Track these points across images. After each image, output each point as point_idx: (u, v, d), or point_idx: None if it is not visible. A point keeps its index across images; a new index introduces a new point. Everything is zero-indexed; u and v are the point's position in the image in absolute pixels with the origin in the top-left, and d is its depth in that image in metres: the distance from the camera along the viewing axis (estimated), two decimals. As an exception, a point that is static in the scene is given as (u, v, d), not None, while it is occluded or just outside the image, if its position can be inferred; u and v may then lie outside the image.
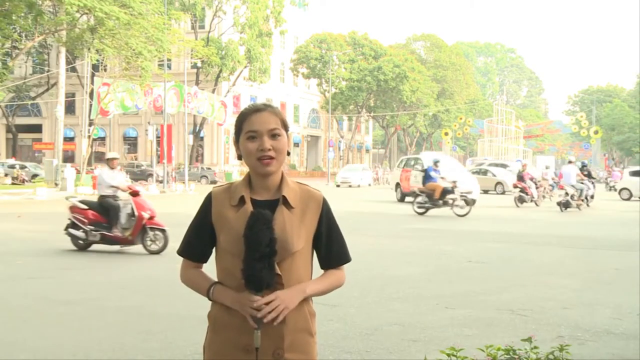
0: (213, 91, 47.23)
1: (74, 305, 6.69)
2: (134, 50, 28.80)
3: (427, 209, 18.75)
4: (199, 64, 45.00)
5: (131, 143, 57.08)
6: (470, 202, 18.77)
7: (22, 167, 39.41)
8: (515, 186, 23.76)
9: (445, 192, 18.38)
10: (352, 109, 63.12)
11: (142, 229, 10.31)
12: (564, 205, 20.88)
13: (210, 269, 2.12)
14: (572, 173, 21.57)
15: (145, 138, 43.36)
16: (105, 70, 41.31)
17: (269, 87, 55.53)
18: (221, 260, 2.08)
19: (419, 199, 18.85)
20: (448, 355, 3.32)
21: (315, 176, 57.73)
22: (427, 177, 18.93)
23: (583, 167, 24.34)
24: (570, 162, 23.63)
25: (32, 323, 5.97)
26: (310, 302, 2.10)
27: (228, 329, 2.01)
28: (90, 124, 35.16)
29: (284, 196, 2.04)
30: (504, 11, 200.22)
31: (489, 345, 3.46)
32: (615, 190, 33.11)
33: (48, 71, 45.82)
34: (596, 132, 59.71)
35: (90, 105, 34.72)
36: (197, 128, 47.81)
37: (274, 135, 2.02)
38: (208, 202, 2.11)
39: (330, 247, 2.12)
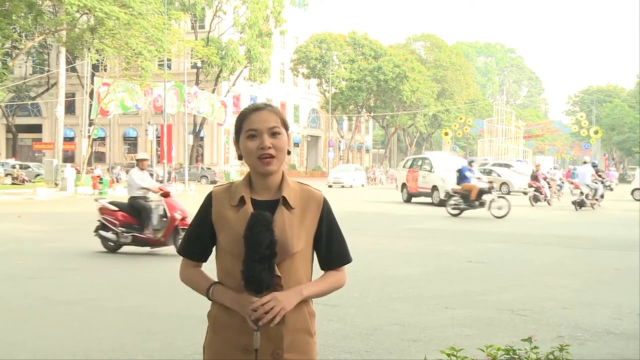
0: (213, 91, 47.23)
1: (74, 305, 6.69)
2: (134, 50, 28.80)
3: (462, 210, 18.15)
4: (199, 64, 45.00)
5: (131, 143, 57.07)
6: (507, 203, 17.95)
7: (26, 167, 39.46)
8: (530, 185, 24.32)
9: (482, 192, 17.84)
10: (352, 109, 63.12)
11: (174, 230, 10.22)
12: (579, 204, 21.28)
13: (210, 268, 2.12)
14: (587, 173, 22.02)
15: (145, 138, 43.35)
16: (105, 70, 41.31)
17: (269, 87, 55.52)
18: (221, 261, 2.08)
19: (453, 199, 18.27)
20: (448, 355, 3.32)
21: (315, 176, 57.70)
22: (461, 178, 18.30)
23: (593, 168, 24.77)
24: (585, 162, 24.05)
25: (32, 323, 5.96)
26: (310, 302, 2.09)
27: (228, 329, 2.01)
28: (90, 124, 35.16)
29: (283, 197, 2.04)
30: (504, 11, 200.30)
31: (489, 345, 3.45)
32: (612, 190, 33.26)
33: (48, 71, 45.82)
34: (596, 132, 59.69)
35: (90, 105, 34.72)
36: (197, 128, 47.82)
37: (274, 134, 2.02)
38: (208, 201, 2.10)
39: (331, 248, 2.11)
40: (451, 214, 18.24)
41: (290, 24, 51.95)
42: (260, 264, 1.91)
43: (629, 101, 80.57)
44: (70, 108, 50.01)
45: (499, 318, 6.04)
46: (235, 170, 46.94)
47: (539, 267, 9.36)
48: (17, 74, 47.24)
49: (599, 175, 23.99)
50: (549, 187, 24.17)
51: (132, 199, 10.54)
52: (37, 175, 37.60)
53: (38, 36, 30.83)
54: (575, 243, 12.22)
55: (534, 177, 24.22)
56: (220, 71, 46.16)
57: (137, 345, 5.23)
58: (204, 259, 2.15)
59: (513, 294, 7.26)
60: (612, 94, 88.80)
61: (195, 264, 2.15)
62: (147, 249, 10.52)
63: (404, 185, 26.12)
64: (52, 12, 33.54)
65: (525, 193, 31.12)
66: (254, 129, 2.02)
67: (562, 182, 28.36)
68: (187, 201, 11.60)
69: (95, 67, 38.39)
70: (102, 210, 10.55)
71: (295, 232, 2.01)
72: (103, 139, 52.76)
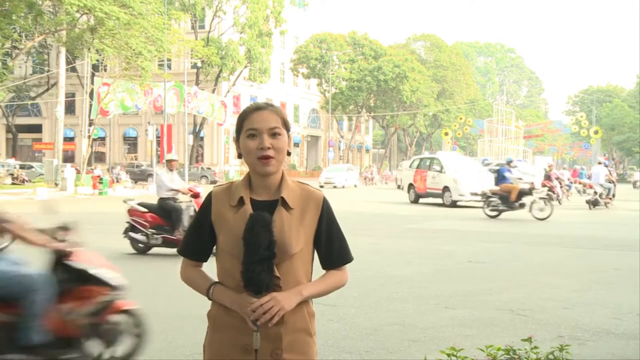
0: (213, 91, 47.23)
1: (74, 305, 6.68)
2: (134, 50, 28.81)
3: (501, 211, 17.60)
4: (199, 64, 45.00)
5: (131, 143, 57.07)
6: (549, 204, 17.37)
7: (29, 167, 39.48)
8: (543, 185, 24.23)
9: (522, 193, 17.26)
10: (352, 109, 63.10)
11: None
12: (593, 203, 21.62)
13: (211, 267, 2.12)
14: (601, 173, 22.44)
15: (145, 138, 43.34)
16: (105, 70, 41.32)
17: (269, 87, 55.51)
18: (221, 261, 2.08)
19: (492, 200, 17.72)
20: (448, 355, 3.32)
21: (315, 176, 57.60)
22: (500, 178, 17.81)
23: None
24: (599, 162, 24.66)
25: (32, 323, 5.96)
26: (310, 302, 2.10)
27: (227, 329, 2.02)
28: (90, 124, 35.16)
29: (282, 197, 2.03)
30: (504, 11, 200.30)
31: (489, 345, 3.45)
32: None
33: (48, 71, 45.81)
34: (596, 132, 59.66)
35: (90, 105, 34.71)
36: (197, 128, 47.81)
37: (274, 134, 2.02)
38: (208, 201, 2.11)
39: (331, 247, 2.11)
40: (489, 215, 17.72)
41: (290, 24, 51.93)
42: (259, 265, 1.92)
43: (629, 101, 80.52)
44: (70, 108, 50.01)
45: (499, 318, 6.04)
46: (235, 170, 46.93)
47: (539, 267, 9.36)
48: (17, 74, 47.23)
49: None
50: (560, 187, 24.72)
51: (162, 200, 10.37)
52: (41, 174, 37.63)
53: (38, 36, 30.83)
54: (576, 243, 12.22)
55: (547, 177, 24.57)
56: (220, 71, 46.16)
57: (137, 345, 5.22)
58: (204, 258, 2.16)
59: (513, 294, 7.25)
60: (612, 94, 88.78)
61: (195, 264, 2.16)
62: (175, 250, 10.45)
63: (410, 185, 25.36)
64: (52, 12, 33.53)
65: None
66: (254, 129, 2.02)
67: (571, 182, 28.86)
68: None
69: (95, 67, 38.39)
70: (132, 211, 10.40)
71: (294, 232, 2.01)
72: (103, 139, 52.76)
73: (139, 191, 31.44)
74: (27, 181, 35.58)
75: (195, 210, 10.15)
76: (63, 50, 32.36)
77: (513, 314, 6.20)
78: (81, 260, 4.44)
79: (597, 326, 5.79)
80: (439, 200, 23.45)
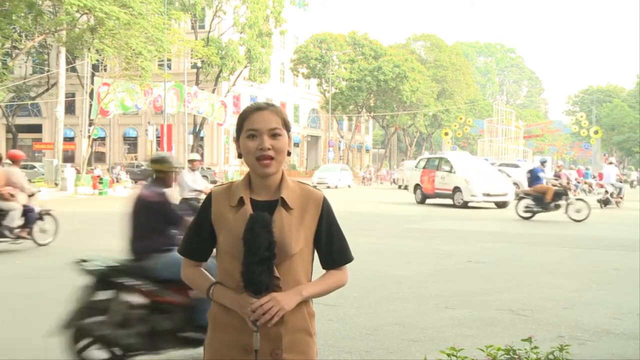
0: (213, 91, 47.23)
1: (74, 305, 6.68)
2: (134, 50, 28.81)
3: (535, 213, 17.13)
4: (199, 64, 44.99)
5: (131, 143, 57.08)
6: (586, 206, 16.90)
7: (32, 167, 39.46)
8: (554, 185, 24.54)
9: (558, 194, 16.87)
10: (352, 109, 63.09)
11: None
12: (604, 202, 22.10)
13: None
14: (612, 173, 22.98)
15: (145, 138, 43.37)
16: (105, 70, 41.30)
17: (269, 87, 55.51)
18: (221, 261, 2.08)
19: (525, 202, 17.32)
20: (448, 355, 3.32)
21: (315, 176, 57.60)
22: (534, 179, 17.38)
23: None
24: (610, 163, 25.12)
25: (32, 323, 5.96)
26: (310, 302, 2.10)
27: (227, 329, 2.02)
28: (90, 124, 35.16)
29: (282, 198, 2.04)
30: (504, 11, 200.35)
31: (489, 345, 3.45)
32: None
33: (48, 71, 45.80)
34: (596, 132, 59.66)
35: (90, 105, 34.71)
36: (197, 128, 47.80)
37: (274, 135, 2.02)
38: (208, 201, 2.11)
39: (331, 247, 2.11)
40: (522, 217, 17.28)
41: (290, 24, 51.91)
42: (259, 266, 1.92)
43: (629, 101, 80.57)
44: (70, 108, 50.00)
45: (499, 318, 6.04)
46: (235, 170, 46.92)
47: (539, 267, 9.36)
48: (17, 74, 47.21)
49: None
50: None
51: (184, 200, 10.21)
52: (42, 175, 37.61)
53: (38, 36, 30.82)
54: (576, 243, 12.22)
55: (557, 177, 24.82)
56: (220, 71, 46.15)
57: (137, 345, 5.22)
58: (205, 258, 2.16)
59: (513, 294, 7.25)
60: (612, 94, 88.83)
61: (196, 264, 2.16)
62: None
63: (417, 186, 24.71)
64: (52, 12, 33.52)
65: None
66: (254, 129, 2.02)
67: (578, 182, 29.37)
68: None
69: (95, 67, 38.38)
70: None
71: (294, 233, 2.01)
72: (103, 139, 52.76)
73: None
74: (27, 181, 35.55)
75: None
76: (63, 50, 32.35)
77: (513, 314, 6.20)
78: None
79: (597, 326, 5.79)
80: (447, 201, 23.03)
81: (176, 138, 45.12)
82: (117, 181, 35.56)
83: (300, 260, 2.04)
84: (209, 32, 47.10)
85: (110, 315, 4.57)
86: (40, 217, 10.88)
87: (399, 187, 41.31)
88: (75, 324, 4.54)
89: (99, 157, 51.54)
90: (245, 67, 47.19)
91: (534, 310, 6.36)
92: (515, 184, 33.50)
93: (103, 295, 4.66)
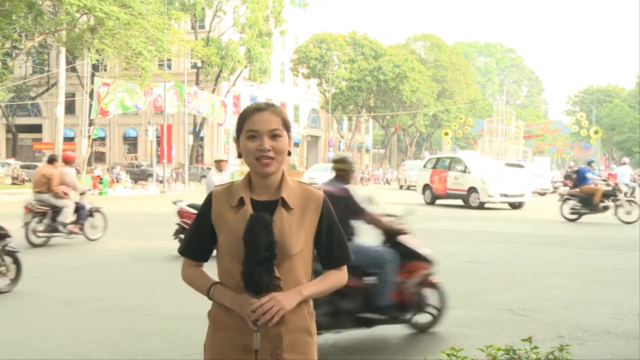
0: (213, 91, 47.23)
1: (74, 305, 6.69)
2: (134, 50, 28.80)
3: (581, 214, 16.61)
4: (199, 64, 45.00)
5: (131, 143, 57.09)
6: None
7: (35, 168, 39.49)
8: (565, 185, 25.08)
9: (607, 195, 16.32)
10: (352, 109, 63.09)
11: None
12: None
13: (211, 267, 2.13)
14: (626, 173, 23.23)
15: (145, 138, 43.34)
16: (105, 70, 41.29)
17: (269, 87, 55.51)
18: (221, 261, 2.08)
19: (571, 203, 16.75)
20: (448, 355, 3.32)
21: (315, 176, 57.58)
22: (581, 179, 16.88)
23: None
24: (624, 163, 25.56)
25: (32, 323, 5.97)
26: (310, 302, 2.10)
27: (228, 329, 2.02)
28: (90, 124, 35.16)
29: (282, 198, 2.04)
30: (504, 11, 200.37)
31: (489, 345, 3.46)
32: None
33: (48, 71, 45.81)
34: (596, 132, 59.65)
35: (90, 105, 34.71)
36: (197, 128, 47.82)
37: (274, 136, 2.02)
38: (208, 201, 2.11)
39: (331, 247, 2.11)
40: (568, 218, 16.74)
41: (290, 24, 51.91)
42: (259, 266, 1.92)
43: (629, 101, 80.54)
44: (70, 108, 49.99)
45: (499, 318, 6.05)
46: (235, 170, 46.86)
47: (539, 267, 9.36)
48: (17, 74, 47.21)
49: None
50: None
51: None
52: None
53: (38, 36, 30.82)
54: (576, 243, 12.22)
55: (568, 177, 25.61)
56: (220, 71, 46.15)
57: (137, 345, 5.23)
58: (205, 258, 2.16)
59: (513, 294, 7.25)
60: (612, 94, 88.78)
61: (196, 264, 2.16)
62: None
63: (426, 186, 23.90)
64: (52, 12, 33.52)
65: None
66: (254, 130, 2.02)
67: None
68: (187, 201, 11.57)
69: (95, 67, 38.38)
70: (181, 213, 10.29)
71: (294, 233, 2.01)
72: (103, 139, 52.75)
73: (139, 191, 31.45)
74: (27, 181, 35.58)
75: None
76: (63, 50, 32.34)
77: (513, 314, 6.20)
78: (406, 241, 5.56)
79: (597, 326, 5.79)
80: (458, 202, 22.50)
81: (176, 138, 45.10)
82: (117, 181, 35.58)
83: (301, 261, 2.04)
84: (209, 32, 47.11)
85: None
86: (90, 214, 11.84)
87: (401, 187, 41.26)
88: None
89: (99, 157, 51.55)
90: (245, 67, 47.20)
91: (534, 310, 6.36)
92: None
93: None
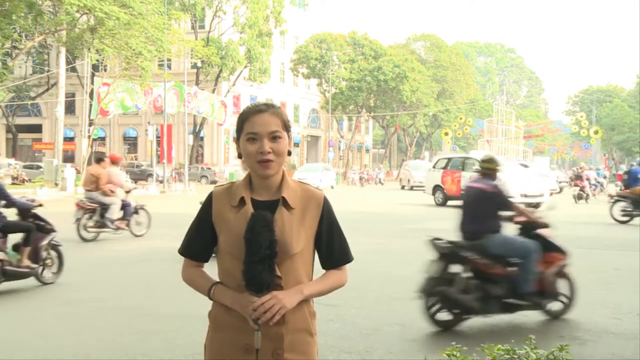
0: (213, 91, 47.21)
1: (74, 305, 6.69)
2: (134, 50, 28.80)
3: (633, 216, 16.19)
4: (199, 64, 44.98)
5: (131, 143, 57.06)
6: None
7: (37, 168, 39.51)
8: (576, 184, 27.02)
9: None
10: (352, 109, 63.06)
11: None
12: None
13: (211, 267, 2.12)
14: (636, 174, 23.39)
15: (145, 138, 43.32)
16: (105, 70, 41.29)
17: (269, 87, 55.50)
18: (222, 261, 2.08)
19: (622, 205, 16.36)
20: (448, 355, 3.32)
21: (315, 176, 57.51)
22: (632, 180, 16.51)
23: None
24: (632, 165, 25.90)
25: (32, 323, 5.97)
26: (310, 302, 2.10)
27: (228, 329, 2.02)
28: (90, 124, 35.15)
29: (283, 197, 2.04)
30: (504, 11, 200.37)
31: (489, 345, 3.45)
32: (602, 190, 34.07)
33: (48, 71, 45.79)
34: (596, 132, 59.63)
35: (90, 105, 34.70)
36: (197, 128, 47.80)
37: (274, 138, 2.02)
38: (209, 201, 2.11)
39: (332, 247, 2.11)
40: (618, 220, 16.35)
41: (290, 24, 51.90)
42: (260, 264, 1.92)
43: (629, 101, 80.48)
44: (70, 108, 49.98)
45: (499, 318, 6.04)
46: (235, 170, 46.87)
47: (539, 267, 9.35)
48: (17, 74, 47.19)
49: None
50: (589, 186, 27.18)
51: None
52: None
53: (38, 36, 30.82)
54: (576, 243, 12.21)
55: (579, 177, 27.27)
56: (220, 71, 46.13)
57: (137, 345, 5.23)
58: (205, 259, 2.16)
59: (513, 294, 7.24)
60: (612, 94, 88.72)
61: (196, 264, 2.16)
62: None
63: (437, 187, 23.52)
64: (52, 12, 33.51)
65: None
66: (254, 133, 2.02)
67: (597, 183, 30.55)
68: (187, 201, 11.60)
69: (95, 67, 38.36)
70: None
71: (295, 232, 2.02)
72: (103, 139, 52.72)
73: (139, 191, 31.42)
74: (27, 181, 35.58)
75: None
76: (63, 50, 32.34)
77: (513, 314, 6.20)
78: (544, 233, 6.07)
79: (597, 326, 5.79)
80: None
81: (176, 138, 45.09)
82: (117, 181, 35.49)
83: (301, 260, 2.05)
84: (209, 32, 47.10)
85: (456, 283, 5.66)
86: (136, 211, 12.46)
87: (402, 187, 41.17)
88: (429, 291, 5.66)
89: (99, 158, 51.47)
90: (245, 67, 47.19)
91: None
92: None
93: (451, 268, 5.77)
